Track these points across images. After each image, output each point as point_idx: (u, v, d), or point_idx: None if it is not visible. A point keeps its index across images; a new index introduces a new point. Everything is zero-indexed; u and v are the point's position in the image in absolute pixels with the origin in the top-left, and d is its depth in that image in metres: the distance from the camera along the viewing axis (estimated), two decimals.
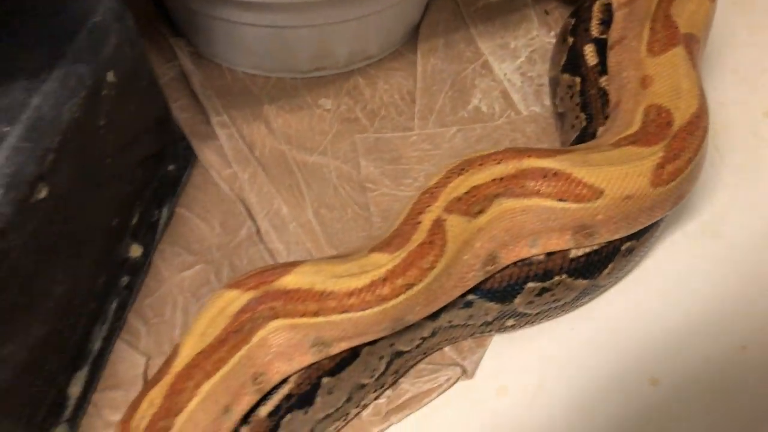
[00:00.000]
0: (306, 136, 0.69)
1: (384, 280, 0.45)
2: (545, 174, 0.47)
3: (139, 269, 0.60)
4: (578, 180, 0.46)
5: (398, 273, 0.45)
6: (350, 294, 0.45)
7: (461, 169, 0.47)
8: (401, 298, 0.45)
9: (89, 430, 0.52)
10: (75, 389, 0.54)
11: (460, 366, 0.55)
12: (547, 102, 0.71)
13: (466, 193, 0.47)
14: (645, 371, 0.54)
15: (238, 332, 0.45)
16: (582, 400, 0.54)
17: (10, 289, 0.46)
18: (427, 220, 0.46)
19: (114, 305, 0.58)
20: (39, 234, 0.48)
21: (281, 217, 0.64)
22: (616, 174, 0.46)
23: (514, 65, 0.74)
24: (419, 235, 0.46)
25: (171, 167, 0.67)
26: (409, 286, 0.45)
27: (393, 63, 0.74)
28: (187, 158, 0.68)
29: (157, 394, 0.43)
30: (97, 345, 0.56)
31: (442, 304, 0.48)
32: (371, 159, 0.67)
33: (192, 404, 0.44)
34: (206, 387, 0.44)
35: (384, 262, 0.46)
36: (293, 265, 0.47)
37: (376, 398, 0.53)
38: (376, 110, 0.71)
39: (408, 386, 0.54)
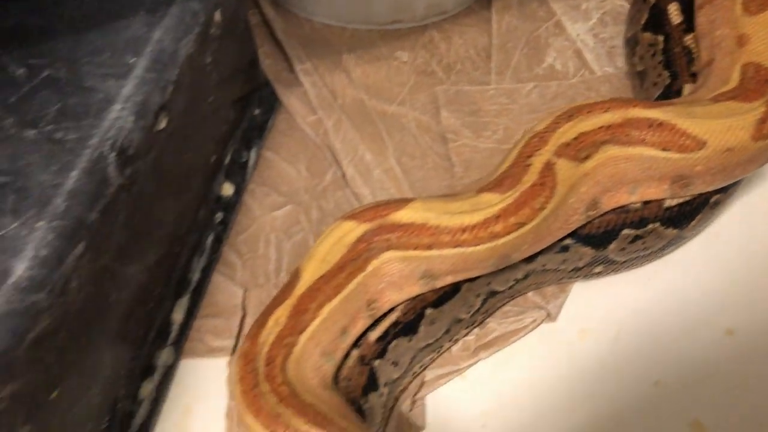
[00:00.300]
0: (384, 86, 0.71)
1: (497, 217, 0.47)
2: (650, 124, 0.49)
3: (232, 206, 0.62)
4: (682, 131, 0.48)
5: (511, 212, 0.47)
6: (463, 230, 0.47)
7: (569, 115, 0.49)
8: (512, 236, 0.47)
9: (192, 353, 0.55)
10: (178, 315, 0.56)
11: (544, 309, 0.58)
12: (621, 63, 0.72)
13: (575, 138, 0.49)
14: (721, 321, 0.57)
15: (355, 260, 0.47)
16: (659, 346, 0.56)
17: (137, 212, 0.48)
18: (537, 162, 0.48)
19: (210, 239, 0.60)
20: (158, 163, 0.50)
21: (365, 164, 0.66)
22: (719, 126, 0.48)
23: (587, 26, 0.76)
24: (530, 177, 0.48)
25: (257, 111, 0.68)
26: (521, 224, 0.47)
27: (466, 19, 0.76)
28: (271, 104, 0.70)
29: (282, 313, 0.46)
30: (196, 275, 0.58)
31: (545, 245, 0.50)
32: (451, 110, 0.69)
33: (314, 324, 0.46)
34: (327, 309, 0.47)
35: (495, 201, 0.48)
36: (406, 201, 0.49)
37: (466, 335, 0.56)
38: (451, 64, 0.72)
39: (495, 325, 0.57)
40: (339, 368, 0.48)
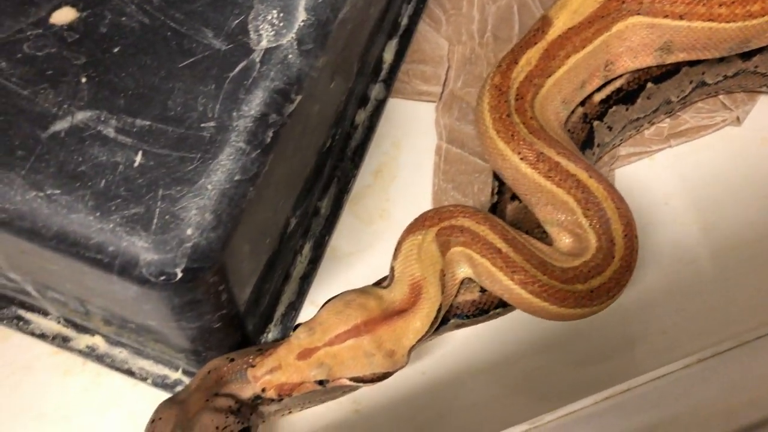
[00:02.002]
0: None
1: None
2: None
3: None
4: None
5: None
6: (722, 4, 0.47)
7: None
8: (765, 18, 0.48)
9: (401, 93, 0.57)
10: (388, 55, 0.58)
11: (734, 112, 0.60)
12: None
13: None
14: None
15: (603, 18, 0.48)
16: None
17: None
18: None
19: None
20: None
21: None
22: None
23: None
24: None
25: None
26: None
27: None
28: None
29: (534, 55, 0.48)
30: (404, 20, 0.59)
31: None
32: None
33: (561, 71, 0.48)
34: (573, 60, 0.48)
35: None
36: None
37: (663, 120, 0.58)
38: None
39: (688, 118, 0.59)
40: (565, 121, 0.51)
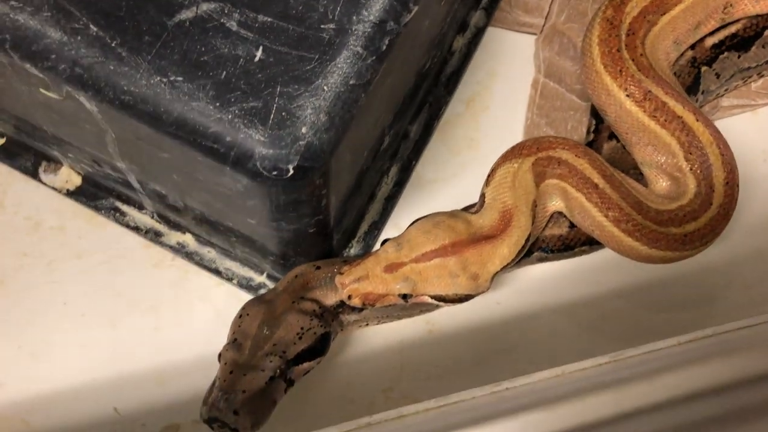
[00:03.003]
0: None
1: None
2: None
3: None
4: None
5: None
6: None
7: None
8: None
9: (502, 22, 0.55)
10: None
11: None
12: None
13: None
14: None
15: None
16: None
17: None
18: None
19: None
20: None
21: None
22: None
23: None
24: None
25: None
26: None
27: None
28: None
29: None
30: None
31: None
32: None
33: (677, 9, 0.46)
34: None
35: None
36: None
37: None
38: None
39: None
40: (672, 63, 0.49)
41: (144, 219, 0.47)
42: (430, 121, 0.53)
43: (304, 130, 0.32)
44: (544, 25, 0.57)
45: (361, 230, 0.48)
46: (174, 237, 0.47)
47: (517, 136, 0.55)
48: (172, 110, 0.32)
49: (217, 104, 0.32)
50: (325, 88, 0.33)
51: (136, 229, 0.47)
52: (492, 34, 0.57)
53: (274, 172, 0.32)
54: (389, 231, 0.52)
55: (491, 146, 0.51)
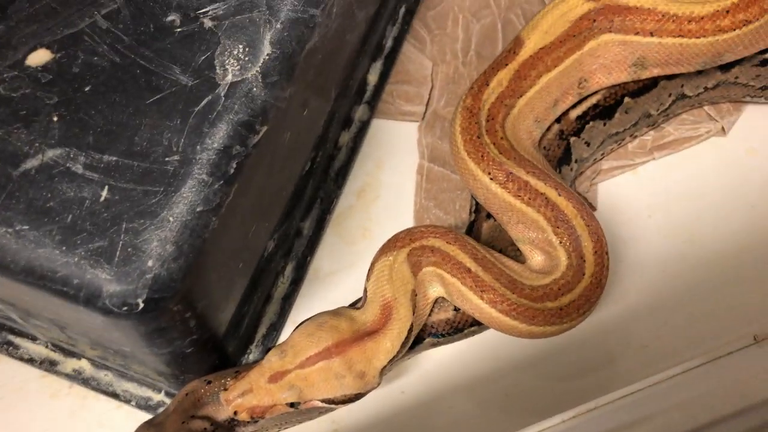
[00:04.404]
0: None
1: (727, 11, 0.47)
2: None
3: None
4: None
5: (741, 8, 0.47)
6: (690, 20, 0.48)
7: None
8: (735, 33, 0.48)
9: (384, 114, 0.58)
10: (373, 77, 0.59)
11: (718, 122, 0.59)
12: None
13: None
14: None
15: (575, 37, 0.49)
16: None
17: None
18: None
19: (403, 10, 0.61)
20: None
21: None
22: None
23: None
24: None
25: None
26: (747, 22, 0.48)
27: None
28: None
29: (504, 76, 0.48)
30: (389, 42, 0.60)
31: (756, 50, 0.51)
32: None
33: (532, 91, 0.49)
34: (544, 79, 0.49)
35: None
36: None
37: (645, 134, 0.58)
38: None
39: (672, 130, 0.59)
40: (540, 139, 0.52)
41: (38, 349, 0.47)
42: (323, 215, 0.55)
43: (150, 263, 0.33)
44: (425, 112, 0.60)
45: (259, 334, 0.49)
46: (70, 364, 0.47)
47: (407, 221, 0.56)
48: (19, 259, 0.33)
49: (64, 248, 0.33)
50: (171, 219, 0.34)
51: (31, 360, 0.47)
52: (377, 125, 0.59)
53: (125, 308, 0.33)
54: (289, 330, 0.52)
55: (385, 234, 0.52)
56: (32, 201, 0.34)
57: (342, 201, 0.56)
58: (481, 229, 0.50)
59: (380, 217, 0.56)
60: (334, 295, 0.53)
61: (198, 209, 0.35)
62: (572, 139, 0.53)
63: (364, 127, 0.58)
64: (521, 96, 0.49)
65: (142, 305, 0.33)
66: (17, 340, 0.47)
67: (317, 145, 0.52)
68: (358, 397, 0.42)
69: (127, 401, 0.47)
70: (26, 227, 0.33)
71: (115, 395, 0.47)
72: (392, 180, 0.57)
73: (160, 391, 0.46)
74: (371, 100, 0.59)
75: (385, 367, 0.43)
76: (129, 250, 0.33)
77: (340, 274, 0.54)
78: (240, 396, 0.41)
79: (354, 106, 0.58)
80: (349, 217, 0.56)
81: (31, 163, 0.35)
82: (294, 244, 0.52)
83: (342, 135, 0.56)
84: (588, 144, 0.54)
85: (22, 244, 0.33)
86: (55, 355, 0.47)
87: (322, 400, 0.42)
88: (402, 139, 0.58)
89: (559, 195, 0.46)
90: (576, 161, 0.54)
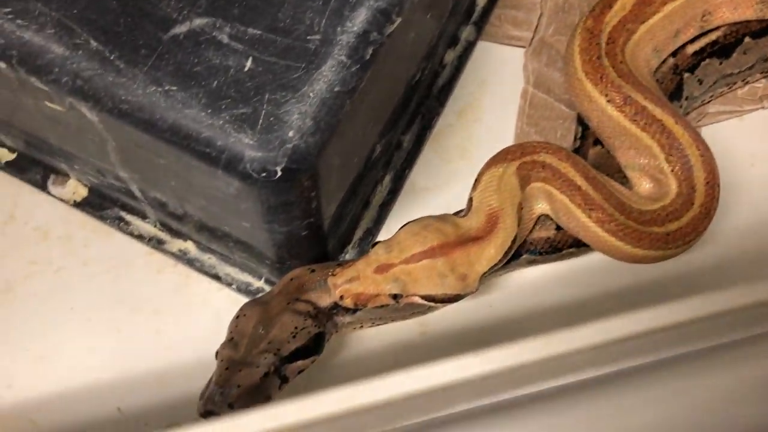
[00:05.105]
0: None
1: None
2: None
3: None
4: None
5: None
6: None
7: None
8: None
9: (491, 36, 0.58)
10: None
11: None
12: None
13: None
14: None
15: None
16: None
17: None
18: None
19: None
20: None
21: None
22: None
23: None
24: None
25: None
26: None
27: None
28: None
29: (629, 0, 0.48)
30: None
31: None
32: None
33: (655, 18, 0.48)
34: (669, 7, 0.48)
35: None
36: None
37: (755, 81, 0.57)
38: None
39: None
40: (655, 70, 0.51)
41: (147, 228, 0.49)
42: (423, 131, 0.55)
43: (290, 134, 0.34)
44: (532, 39, 0.59)
45: (356, 236, 0.50)
46: (176, 244, 0.49)
47: (507, 144, 0.55)
48: (167, 117, 0.34)
49: (209, 111, 0.34)
50: (311, 94, 0.35)
51: (140, 237, 0.49)
52: (482, 47, 0.59)
53: (263, 174, 0.34)
54: (383, 237, 0.53)
55: (482, 155, 0.52)
56: (180, 64, 0.35)
57: (442, 119, 0.56)
58: (587, 155, 0.50)
59: (479, 138, 0.56)
60: (428, 209, 0.52)
61: (336, 89, 0.35)
62: (686, 75, 0.52)
63: (469, 47, 0.57)
64: (644, 22, 0.48)
65: (279, 173, 0.34)
66: (129, 217, 0.49)
67: (426, 57, 0.52)
68: (457, 298, 0.43)
69: (228, 284, 0.48)
70: (174, 88, 0.34)
71: (217, 277, 0.48)
72: (494, 103, 0.57)
73: (260, 278, 0.47)
74: (479, 21, 0.58)
75: (485, 273, 0.44)
76: (271, 119, 0.34)
77: (436, 190, 0.54)
78: (347, 282, 0.42)
79: (461, 26, 0.57)
80: (449, 135, 0.56)
81: (180, 29, 0.36)
82: (394, 156, 0.53)
83: (448, 53, 0.56)
84: (701, 82, 0.53)
85: (170, 103, 0.34)
86: (163, 235, 0.48)
87: (423, 296, 0.43)
88: (507, 64, 0.57)
89: (676, 123, 0.45)
90: (686, 98, 0.53)
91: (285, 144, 0.34)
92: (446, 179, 0.56)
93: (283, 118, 0.34)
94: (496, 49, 0.59)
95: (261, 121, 0.34)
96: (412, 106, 0.54)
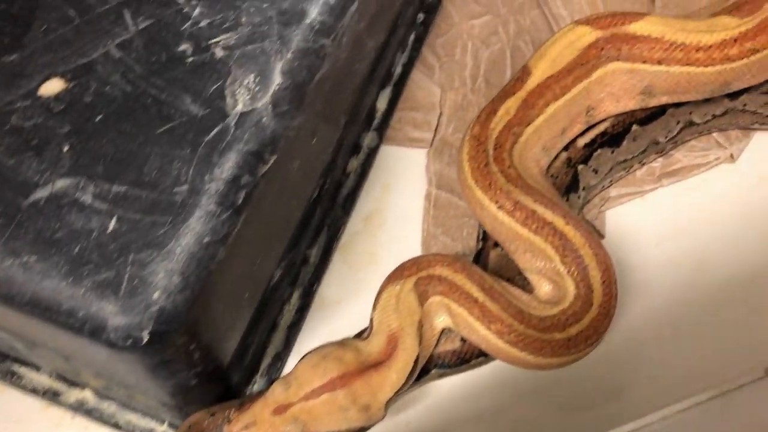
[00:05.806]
0: None
1: (735, 40, 0.47)
2: None
3: (433, 9, 0.63)
4: None
5: (749, 36, 0.47)
6: (699, 48, 0.48)
7: None
8: (744, 61, 0.48)
9: (393, 140, 0.58)
10: (381, 104, 0.59)
11: (727, 149, 0.59)
12: None
13: None
14: None
15: (583, 65, 0.49)
16: None
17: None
18: None
19: (412, 37, 0.62)
20: None
21: None
22: None
23: None
24: None
25: None
26: (755, 51, 0.48)
27: None
28: None
29: (512, 105, 0.48)
30: (398, 69, 0.61)
31: (764, 79, 0.51)
32: None
33: (540, 119, 0.49)
34: (552, 108, 0.49)
35: (734, 24, 0.48)
36: (641, 15, 0.50)
37: (653, 160, 0.58)
38: None
39: (680, 157, 0.58)
40: (548, 167, 0.52)
41: (41, 379, 0.47)
42: (330, 243, 0.55)
43: (156, 295, 0.33)
44: (433, 139, 0.60)
45: (264, 363, 0.49)
46: (73, 395, 0.47)
47: (415, 248, 0.56)
48: (26, 291, 0.33)
49: (70, 280, 0.33)
50: (178, 250, 0.34)
51: (34, 391, 0.47)
52: (385, 151, 0.59)
53: (129, 341, 0.33)
54: (295, 359, 0.52)
55: (392, 260, 0.52)
56: (40, 232, 0.34)
57: (349, 227, 0.56)
58: (488, 257, 0.50)
59: (387, 243, 0.56)
60: (340, 323, 0.52)
61: (205, 240, 0.35)
62: (580, 167, 0.53)
63: (372, 153, 0.58)
64: (529, 124, 0.48)
65: (146, 338, 0.33)
66: (21, 370, 0.47)
67: (325, 172, 0.52)
68: (362, 430, 0.42)
69: None
70: (33, 258, 0.33)
71: (117, 426, 0.46)
72: (400, 206, 0.57)
73: (163, 422, 0.46)
74: (380, 127, 0.59)
75: (390, 399, 0.43)
76: (135, 281, 0.33)
77: (347, 301, 0.54)
78: (244, 429, 0.40)
79: (362, 133, 0.58)
80: (357, 243, 0.56)
81: (41, 193, 0.35)
82: (300, 272, 0.52)
83: (350, 162, 0.57)
84: (596, 171, 0.54)
85: (29, 275, 0.33)
86: (59, 385, 0.47)
87: None
88: (410, 166, 0.58)
89: (567, 224, 0.46)
90: (584, 189, 0.54)
91: (150, 307, 0.33)
92: (357, 289, 0.55)
93: (147, 279, 0.33)
94: (398, 152, 0.59)
95: (124, 285, 0.33)
96: (315, 221, 0.54)
